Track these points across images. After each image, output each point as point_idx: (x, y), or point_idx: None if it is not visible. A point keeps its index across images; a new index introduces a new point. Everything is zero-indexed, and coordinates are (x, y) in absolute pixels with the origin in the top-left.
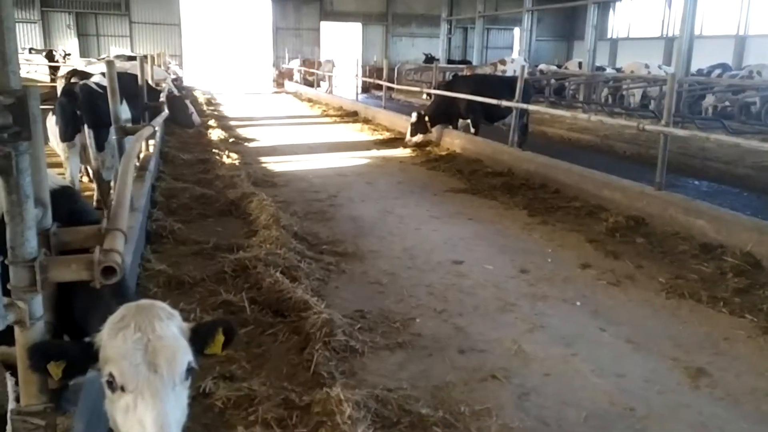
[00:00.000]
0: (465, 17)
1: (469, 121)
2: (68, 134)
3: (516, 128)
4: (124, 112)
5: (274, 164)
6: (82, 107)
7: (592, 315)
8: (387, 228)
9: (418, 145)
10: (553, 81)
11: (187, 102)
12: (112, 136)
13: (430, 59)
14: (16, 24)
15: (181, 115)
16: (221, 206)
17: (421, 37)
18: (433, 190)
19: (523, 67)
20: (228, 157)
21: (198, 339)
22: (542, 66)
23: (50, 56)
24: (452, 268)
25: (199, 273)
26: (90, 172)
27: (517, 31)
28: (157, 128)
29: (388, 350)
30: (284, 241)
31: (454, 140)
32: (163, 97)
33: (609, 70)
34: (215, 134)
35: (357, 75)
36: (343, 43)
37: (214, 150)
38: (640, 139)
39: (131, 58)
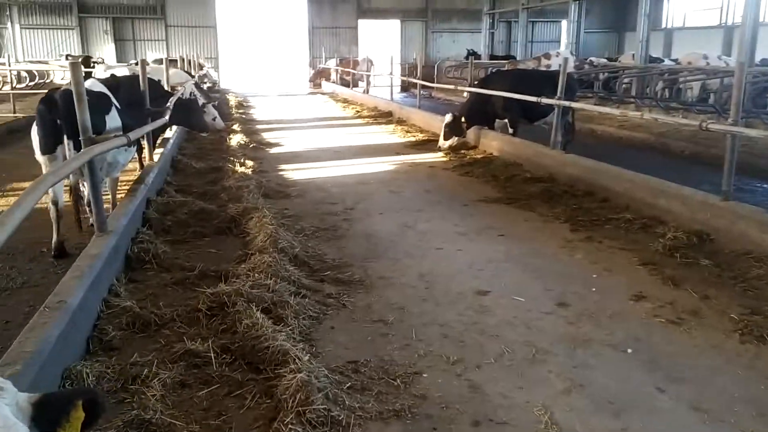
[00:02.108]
0: (508, 10)
1: (506, 121)
2: (48, 146)
3: (558, 128)
4: (114, 120)
5: (292, 171)
6: (61, 115)
7: (648, 367)
8: (404, 247)
9: (452, 149)
10: (603, 75)
11: (210, 106)
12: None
13: (471, 55)
14: (54, 30)
15: (194, 120)
16: (220, 223)
17: (463, 32)
18: (463, 199)
19: (566, 60)
20: (242, 165)
21: (45, 417)
22: (592, 58)
23: (86, 62)
24: (475, 300)
25: (171, 310)
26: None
27: (564, 23)
28: (133, 139)
29: (381, 421)
30: (277, 269)
31: (491, 142)
32: (170, 103)
33: (666, 62)
34: (236, 139)
35: (392, 73)
36: (382, 41)
37: (231, 157)
38: (699, 137)
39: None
